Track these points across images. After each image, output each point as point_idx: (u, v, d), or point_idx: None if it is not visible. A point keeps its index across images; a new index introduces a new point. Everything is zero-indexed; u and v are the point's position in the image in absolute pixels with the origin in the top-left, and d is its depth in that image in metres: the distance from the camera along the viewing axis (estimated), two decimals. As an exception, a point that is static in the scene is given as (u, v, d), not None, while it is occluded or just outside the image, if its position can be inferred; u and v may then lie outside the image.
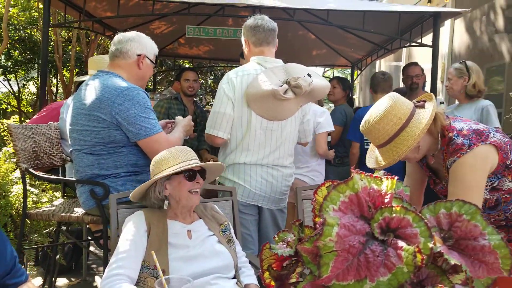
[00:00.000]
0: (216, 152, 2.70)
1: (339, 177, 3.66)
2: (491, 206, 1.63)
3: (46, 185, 3.37)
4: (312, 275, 0.72)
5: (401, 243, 0.67)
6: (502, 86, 4.56)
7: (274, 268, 0.83)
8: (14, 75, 8.84)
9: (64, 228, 3.12)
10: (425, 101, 1.58)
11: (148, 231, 1.57)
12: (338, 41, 5.82)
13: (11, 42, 7.73)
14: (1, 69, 8.46)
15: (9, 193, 3.00)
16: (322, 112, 3.30)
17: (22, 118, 7.96)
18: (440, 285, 0.66)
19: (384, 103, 1.55)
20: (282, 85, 2.18)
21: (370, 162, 1.67)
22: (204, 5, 4.06)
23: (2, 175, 3.09)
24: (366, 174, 0.77)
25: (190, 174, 1.64)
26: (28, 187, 2.92)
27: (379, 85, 3.48)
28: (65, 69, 8.31)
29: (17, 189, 3.04)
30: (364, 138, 3.35)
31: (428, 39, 3.88)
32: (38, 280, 3.14)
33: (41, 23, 4.50)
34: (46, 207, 2.48)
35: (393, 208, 0.70)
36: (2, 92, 10.46)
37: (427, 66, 3.85)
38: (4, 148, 3.46)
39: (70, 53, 7.41)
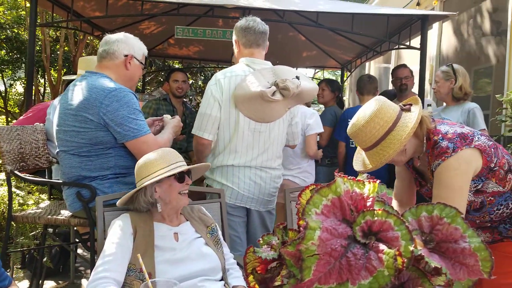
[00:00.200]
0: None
1: (329, 177, 3.74)
2: (476, 208, 1.65)
3: (32, 187, 3.32)
4: (295, 278, 0.72)
5: (382, 247, 0.67)
6: (489, 88, 4.62)
7: (259, 271, 0.83)
8: (0, 75, 8.71)
9: (51, 230, 3.08)
10: (411, 105, 1.60)
11: (134, 234, 1.56)
12: (328, 43, 5.84)
13: (-2, 41, 7.63)
14: (-12, 69, 8.35)
15: (-6, 196, 2.96)
16: (311, 114, 3.33)
17: (9, 119, 7.85)
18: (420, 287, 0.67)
19: (371, 107, 1.56)
20: (270, 87, 2.18)
21: (357, 165, 1.68)
22: (194, 6, 4.04)
23: (-13, 177, 3.04)
24: (349, 177, 0.78)
25: (180, 176, 1.65)
26: (13, 189, 2.88)
27: (365, 87, 3.61)
28: (52, 69, 8.21)
29: (2, 191, 3.00)
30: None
31: (416, 41, 3.92)
32: (25, 283, 3.10)
33: (29, 22, 4.44)
34: (32, 210, 2.45)
35: (375, 212, 0.70)
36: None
37: (415, 68, 3.90)
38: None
39: (58, 52, 7.33)
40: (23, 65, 8.37)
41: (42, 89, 9.24)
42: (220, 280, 1.68)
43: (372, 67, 8.72)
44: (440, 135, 1.57)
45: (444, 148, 1.53)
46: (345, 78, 7.30)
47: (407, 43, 4.22)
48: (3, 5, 7.80)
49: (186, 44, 6.10)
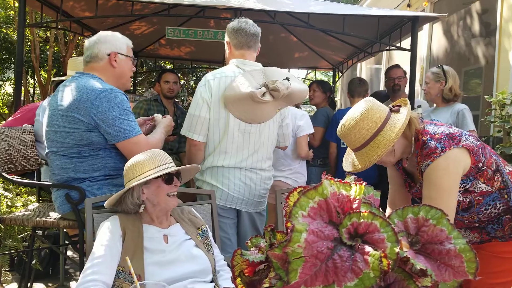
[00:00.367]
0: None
1: (320, 178, 3.75)
2: (464, 208, 1.66)
3: (21, 189, 3.29)
4: (281, 281, 0.72)
5: (368, 248, 0.67)
6: (479, 88, 4.67)
7: (246, 274, 0.82)
8: (-11, 76, 8.61)
9: (40, 232, 3.05)
10: (400, 106, 1.61)
11: (123, 236, 1.55)
12: (319, 44, 5.86)
13: (-14, 41, 7.54)
14: (-24, 69, 8.24)
15: (-18, 198, 2.92)
16: (302, 115, 3.35)
17: (-1, 120, 7.75)
18: (406, 289, 0.67)
19: (360, 108, 1.57)
20: (260, 88, 2.18)
21: (346, 166, 1.69)
22: (185, 7, 4.03)
23: (-26, 179, 3.00)
24: (335, 180, 0.78)
25: (168, 178, 1.64)
26: (1, 191, 2.85)
27: (355, 90, 3.71)
28: (42, 69, 8.13)
29: (-10, 193, 2.96)
30: None
31: (407, 42, 3.95)
32: (13, 286, 3.07)
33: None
34: (21, 212, 2.42)
35: (361, 214, 0.71)
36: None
37: (406, 69, 3.92)
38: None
39: (48, 53, 7.26)
40: (12, 65, 8.28)
41: (31, 90, 9.14)
42: (211, 282, 1.67)
43: (364, 68, 8.77)
44: (428, 136, 1.58)
45: (432, 148, 1.54)
46: (336, 79, 7.33)
47: (398, 44, 4.25)
48: (-8, 5, 7.72)
49: (178, 45, 6.08)
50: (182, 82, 8.33)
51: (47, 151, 2.11)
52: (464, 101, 4.86)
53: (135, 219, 1.63)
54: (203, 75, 2.46)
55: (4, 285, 3.05)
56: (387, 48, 4.55)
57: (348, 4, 7.05)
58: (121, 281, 1.50)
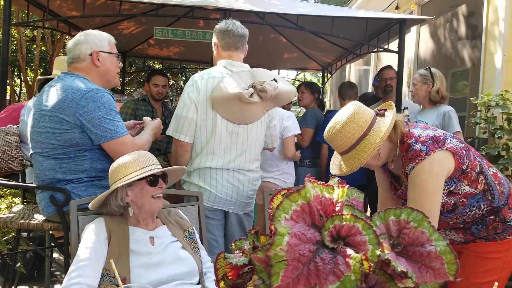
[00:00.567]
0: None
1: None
2: (449, 209, 1.68)
3: (5, 191, 3.24)
4: (265, 284, 0.72)
5: (349, 251, 0.68)
6: (466, 90, 4.73)
7: (230, 277, 0.82)
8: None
9: (25, 234, 3.01)
10: (385, 110, 1.62)
11: (109, 238, 1.54)
12: (308, 45, 5.88)
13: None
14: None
15: (-35, 199, 2.87)
16: (288, 116, 3.37)
17: (-16, 119, 7.60)
18: (387, 291, 0.67)
19: (346, 112, 1.59)
20: (248, 89, 2.19)
21: (333, 169, 1.70)
22: (174, 7, 4.01)
23: (-43, 180, 2.94)
24: (318, 182, 0.78)
25: (152, 180, 1.62)
26: (-15, 193, 2.80)
27: (346, 93, 3.90)
28: (29, 69, 8.02)
29: (-26, 195, 2.91)
30: None
31: (395, 44, 3.98)
32: (-3, 289, 3.01)
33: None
34: (4, 214, 2.38)
35: (344, 216, 0.71)
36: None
37: (394, 71, 3.96)
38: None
39: (35, 52, 7.16)
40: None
41: (18, 89, 9.01)
42: (197, 284, 1.67)
43: (353, 69, 8.82)
44: (413, 139, 1.60)
45: (417, 151, 1.56)
46: (326, 80, 7.37)
47: (386, 46, 4.28)
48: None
49: (167, 45, 6.05)
50: (171, 82, 8.27)
51: (31, 152, 2.09)
52: (451, 103, 4.93)
53: (121, 221, 1.62)
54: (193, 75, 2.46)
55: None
56: (375, 50, 4.59)
57: (337, 6, 7.09)
58: (107, 283, 1.49)
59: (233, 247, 0.87)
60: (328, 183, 0.80)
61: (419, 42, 5.77)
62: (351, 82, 4.21)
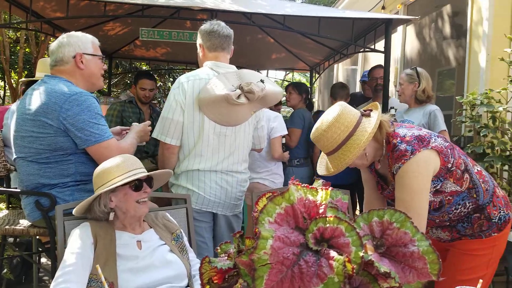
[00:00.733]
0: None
1: (300, 178, 3.80)
2: (435, 207, 1.70)
3: (-10, 196, 3.19)
4: None
5: (332, 253, 0.68)
6: (453, 89, 4.79)
7: (215, 281, 0.82)
8: (-42, 77, 8.30)
9: (11, 240, 2.96)
10: (371, 110, 1.64)
11: (95, 243, 1.52)
12: (296, 45, 5.90)
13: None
14: None
15: None
16: (275, 117, 3.38)
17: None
18: (371, 292, 0.68)
19: (332, 113, 1.60)
20: (235, 90, 2.18)
21: (320, 169, 1.71)
22: (160, 7, 3.99)
23: None
24: (302, 185, 0.78)
25: (136, 184, 1.60)
26: (-31, 198, 2.75)
27: (338, 93, 4.05)
28: (13, 71, 7.89)
29: (-43, 200, 2.86)
30: None
31: (381, 44, 4.01)
32: (-17, 296, 2.96)
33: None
34: (-11, 220, 2.34)
35: (327, 218, 0.71)
36: None
37: (382, 71, 3.98)
38: None
39: (19, 54, 7.05)
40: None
41: (2, 92, 8.86)
42: (186, 287, 1.66)
43: (341, 69, 8.87)
44: (398, 138, 1.61)
45: (402, 151, 1.57)
46: (314, 80, 7.40)
47: (372, 46, 4.31)
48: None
49: (153, 46, 6.01)
50: (158, 84, 8.22)
51: (15, 156, 2.06)
52: (438, 101, 5.00)
53: (107, 226, 1.60)
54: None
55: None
56: (362, 50, 4.62)
57: (323, 6, 7.12)
58: (94, 289, 1.47)
59: (219, 250, 0.86)
60: (312, 186, 0.80)
61: (405, 41, 5.83)
62: (343, 83, 4.36)
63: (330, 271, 0.66)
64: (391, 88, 4.72)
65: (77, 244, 1.50)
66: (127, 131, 2.27)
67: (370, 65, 6.60)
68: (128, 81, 8.33)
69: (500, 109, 3.27)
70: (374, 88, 3.89)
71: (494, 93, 3.35)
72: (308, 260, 0.68)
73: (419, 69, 3.21)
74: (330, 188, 0.79)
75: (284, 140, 3.71)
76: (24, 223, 2.23)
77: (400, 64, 5.77)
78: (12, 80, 7.34)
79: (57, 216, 1.73)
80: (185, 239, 1.79)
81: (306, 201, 0.76)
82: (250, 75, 2.31)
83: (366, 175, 1.90)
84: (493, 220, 1.72)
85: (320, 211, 0.75)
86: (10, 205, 2.69)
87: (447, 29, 4.96)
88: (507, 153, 3.23)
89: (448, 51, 4.89)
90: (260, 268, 0.67)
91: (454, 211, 1.71)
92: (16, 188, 2.43)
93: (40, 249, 3.13)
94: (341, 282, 0.65)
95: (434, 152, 1.60)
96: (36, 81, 2.47)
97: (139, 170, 1.62)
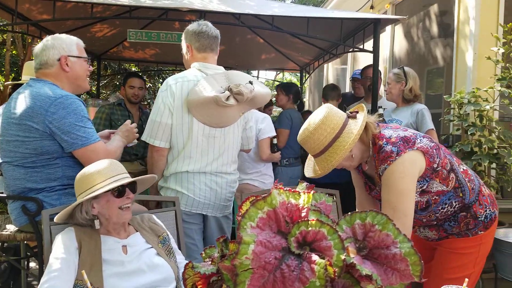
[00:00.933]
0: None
1: (288, 177, 3.83)
2: (422, 207, 1.71)
3: (-24, 201, 3.13)
4: (232, 292, 0.72)
5: (314, 257, 0.68)
6: (442, 87, 4.83)
7: (199, 286, 0.81)
8: None
9: (-1, 245, 2.92)
10: (357, 112, 1.64)
11: (79, 249, 1.51)
12: (286, 46, 5.91)
13: None
14: None
15: None
16: (263, 118, 3.38)
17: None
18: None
19: (318, 115, 1.60)
20: (224, 92, 2.18)
21: (308, 172, 1.72)
22: (148, 9, 3.96)
23: None
24: (285, 189, 0.78)
25: (119, 190, 1.58)
26: (-46, 204, 2.70)
27: (329, 94, 4.17)
28: None
29: None
30: None
31: (370, 44, 4.03)
32: (-30, 303, 2.92)
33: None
34: (-25, 225, 2.31)
35: (309, 222, 0.71)
36: None
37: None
38: None
39: (5, 56, 6.96)
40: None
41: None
42: (174, 290, 1.65)
43: (331, 69, 8.91)
44: (384, 140, 1.62)
45: (388, 152, 1.58)
46: (304, 80, 7.41)
47: (361, 46, 4.33)
48: None
49: (142, 47, 5.98)
50: (148, 85, 8.18)
51: (0, 161, 2.03)
52: (427, 100, 5.04)
53: (92, 231, 1.58)
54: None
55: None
56: (351, 49, 4.64)
57: (312, 7, 7.14)
58: (80, 294, 1.46)
59: (203, 255, 0.86)
60: (294, 189, 0.80)
61: (394, 41, 5.86)
62: (334, 85, 4.57)
63: (312, 275, 0.66)
64: (382, 87, 4.75)
65: (62, 249, 1.48)
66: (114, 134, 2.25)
67: (360, 65, 6.66)
68: (118, 83, 8.26)
69: (487, 107, 3.31)
70: (368, 87, 3.91)
71: (481, 92, 3.39)
72: (290, 264, 0.68)
73: (406, 68, 3.23)
74: (312, 192, 0.79)
75: (275, 141, 3.73)
76: (10, 228, 2.20)
77: (389, 64, 5.81)
78: (-1, 83, 7.27)
79: (43, 221, 1.71)
80: (172, 241, 1.78)
81: (289, 205, 0.76)
82: (239, 76, 2.31)
83: (356, 175, 1.91)
84: (479, 219, 1.74)
85: (303, 214, 0.75)
86: (-4, 210, 2.65)
87: (434, 29, 5.00)
88: (495, 151, 3.27)
89: (436, 51, 4.94)
90: (242, 273, 0.67)
91: (441, 210, 1.72)
92: (2, 193, 2.40)
93: (29, 254, 3.09)
94: (322, 286, 0.65)
95: (419, 152, 1.61)
96: (22, 84, 2.44)
97: (121, 176, 1.60)
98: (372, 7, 5.88)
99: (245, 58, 6.75)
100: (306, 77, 7.21)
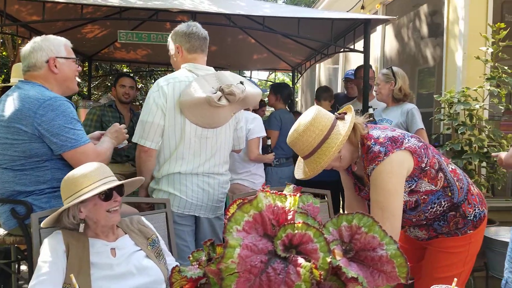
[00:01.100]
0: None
1: (278, 178, 3.84)
2: (411, 207, 1.73)
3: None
4: (218, 296, 0.72)
5: (300, 260, 0.68)
6: (433, 87, 4.86)
7: (187, 290, 0.81)
8: None
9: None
10: (345, 113, 1.65)
11: (67, 252, 1.49)
12: (277, 46, 5.91)
13: None
14: None
15: None
16: (253, 118, 3.38)
17: None
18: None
19: (307, 117, 1.61)
20: (215, 92, 2.18)
21: (298, 173, 1.72)
22: (138, 10, 3.95)
23: None
24: (271, 191, 0.78)
25: (106, 193, 1.56)
26: None
27: (321, 95, 4.26)
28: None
29: None
30: None
31: (361, 44, 4.05)
32: (-41, 307, 2.88)
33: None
34: (-37, 229, 2.28)
35: (296, 225, 0.71)
36: None
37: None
38: None
39: (-5, 58, 6.89)
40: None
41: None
42: (164, 292, 1.64)
43: (322, 69, 8.93)
44: (372, 140, 1.63)
45: (376, 152, 1.59)
46: (296, 80, 7.43)
47: (352, 46, 4.35)
48: None
49: (134, 48, 5.95)
50: (140, 85, 8.13)
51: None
52: (419, 99, 5.07)
53: (80, 234, 1.57)
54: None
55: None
56: (342, 50, 4.66)
57: (303, 7, 7.15)
58: (68, 298, 1.44)
59: (191, 258, 0.86)
60: (281, 192, 0.80)
61: (385, 41, 5.89)
62: (327, 86, 4.75)
63: (298, 278, 0.66)
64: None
65: (49, 253, 1.47)
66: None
67: (351, 64, 6.68)
68: (109, 84, 8.20)
69: (477, 106, 3.34)
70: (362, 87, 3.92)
71: (471, 91, 3.41)
72: (276, 268, 0.69)
73: (394, 68, 3.25)
74: (299, 194, 0.79)
75: (269, 142, 3.74)
76: (0, 231, 2.18)
77: (380, 64, 5.84)
78: (-11, 84, 7.16)
79: (32, 224, 1.70)
80: (162, 243, 1.76)
81: (275, 208, 0.76)
82: (229, 76, 2.32)
83: (345, 176, 1.91)
84: (468, 218, 1.75)
85: (289, 217, 0.75)
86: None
87: (425, 29, 5.03)
88: (485, 150, 3.30)
89: (426, 50, 4.97)
90: (227, 277, 0.67)
91: (430, 210, 1.74)
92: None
93: (19, 257, 3.06)
94: (308, 289, 0.65)
95: (407, 152, 1.62)
96: (11, 86, 2.42)
97: (108, 179, 1.58)
98: (363, 7, 5.91)
99: (237, 59, 6.74)
100: (298, 77, 7.22)
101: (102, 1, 3.31)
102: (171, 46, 2.40)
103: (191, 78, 2.26)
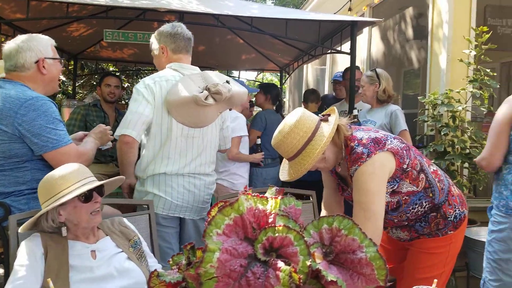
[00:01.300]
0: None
1: (263, 179, 3.84)
2: (393, 208, 1.74)
3: None
4: (197, 301, 0.71)
5: (280, 264, 0.68)
6: (418, 88, 4.92)
7: (166, 294, 0.80)
8: None
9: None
10: (329, 115, 1.66)
11: (45, 255, 1.46)
12: (265, 47, 5.92)
13: None
14: None
15: None
16: (235, 117, 3.37)
17: None
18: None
19: (292, 119, 1.62)
20: (202, 92, 2.17)
21: (283, 175, 1.73)
22: (125, 9, 3.91)
23: None
24: (253, 194, 0.78)
25: (86, 195, 1.53)
26: None
27: (309, 97, 4.38)
28: (-28, 73, 7.52)
29: None
30: None
31: (348, 46, 4.08)
32: None
33: None
34: None
35: (276, 228, 0.71)
36: None
37: (346, 72, 4.06)
38: None
39: (-22, 55, 6.74)
40: None
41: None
42: (147, 295, 1.62)
43: (310, 69, 8.97)
44: (355, 141, 1.64)
45: (359, 153, 1.60)
46: (284, 80, 7.44)
47: (339, 48, 4.38)
48: None
49: (120, 47, 5.89)
50: (126, 85, 8.04)
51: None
52: (404, 100, 5.13)
53: (59, 236, 1.54)
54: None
55: None
56: (329, 51, 4.69)
57: (291, 8, 7.18)
58: (47, 302, 1.42)
59: (171, 262, 0.85)
60: (262, 195, 0.80)
61: (371, 43, 5.95)
62: (313, 89, 4.98)
63: (277, 282, 0.66)
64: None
65: (27, 256, 1.44)
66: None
67: (338, 66, 6.73)
68: (95, 83, 8.09)
69: (460, 108, 3.40)
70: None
71: (454, 93, 3.47)
72: (255, 272, 0.68)
73: (378, 70, 3.29)
74: (281, 197, 0.79)
75: (259, 141, 3.74)
76: (-23, 233, 2.13)
77: (366, 65, 5.89)
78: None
79: (10, 227, 1.66)
80: (144, 244, 1.74)
81: (256, 211, 0.75)
82: (215, 76, 2.31)
83: (327, 176, 1.92)
84: (449, 219, 1.78)
85: (270, 220, 0.75)
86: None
87: (410, 31, 5.10)
88: (467, 151, 3.35)
89: (411, 53, 5.03)
90: (206, 282, 0.66)
91: (412, 210, 1.75)
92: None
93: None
94: (287, 293, 0.65)
95: (389, 153, 1.64)
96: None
97: (87, 180, 1.55)
98: (350, 9, 5.95)
99: (225, 59, 6.73)
100: (286, 78, 7.24)
101: (88, -1, 3.26)
102: (155, 46, 2.38)
103: (177, 77, 2.24)
